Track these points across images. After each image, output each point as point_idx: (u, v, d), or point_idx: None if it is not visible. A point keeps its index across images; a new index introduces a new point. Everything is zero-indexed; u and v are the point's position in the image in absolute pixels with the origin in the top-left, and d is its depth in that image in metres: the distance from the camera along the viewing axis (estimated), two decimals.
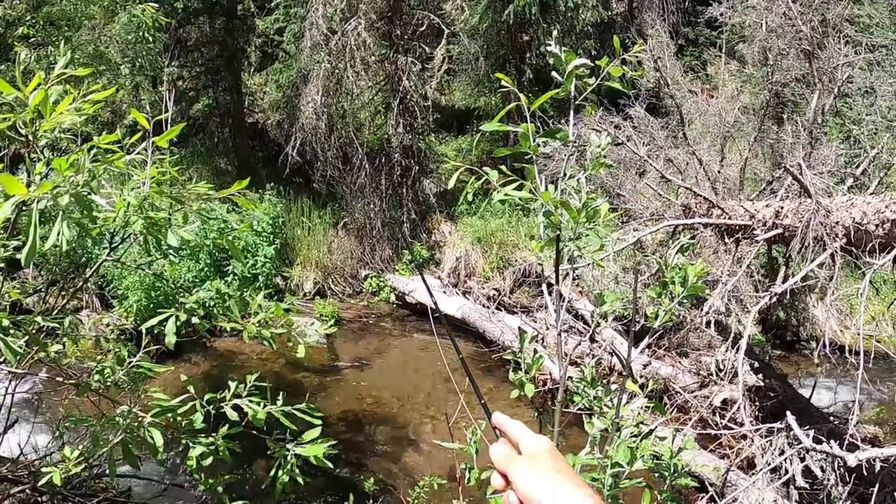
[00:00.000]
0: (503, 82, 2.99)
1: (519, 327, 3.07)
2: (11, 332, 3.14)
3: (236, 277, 13.66)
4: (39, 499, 6.79)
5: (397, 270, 15.55)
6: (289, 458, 3.50)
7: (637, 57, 3.39)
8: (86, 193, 2.68)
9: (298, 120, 15.24)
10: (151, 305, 12.65)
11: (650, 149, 10.50)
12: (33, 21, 10.34)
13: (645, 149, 10.19)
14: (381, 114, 16.27)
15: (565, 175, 2.91)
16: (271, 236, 14.19)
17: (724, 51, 17.93)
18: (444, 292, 14.15)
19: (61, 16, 10.94)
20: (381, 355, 12.45)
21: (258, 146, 19.22)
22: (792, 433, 5.43)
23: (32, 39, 10.47)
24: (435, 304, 1.95)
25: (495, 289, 14.14)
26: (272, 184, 15.45)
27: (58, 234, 2.36)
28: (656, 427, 2.82)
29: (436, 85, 16.01)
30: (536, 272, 13.68)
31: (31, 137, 2.97)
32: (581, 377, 3.28)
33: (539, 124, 2.87)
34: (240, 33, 18.01)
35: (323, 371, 11.78)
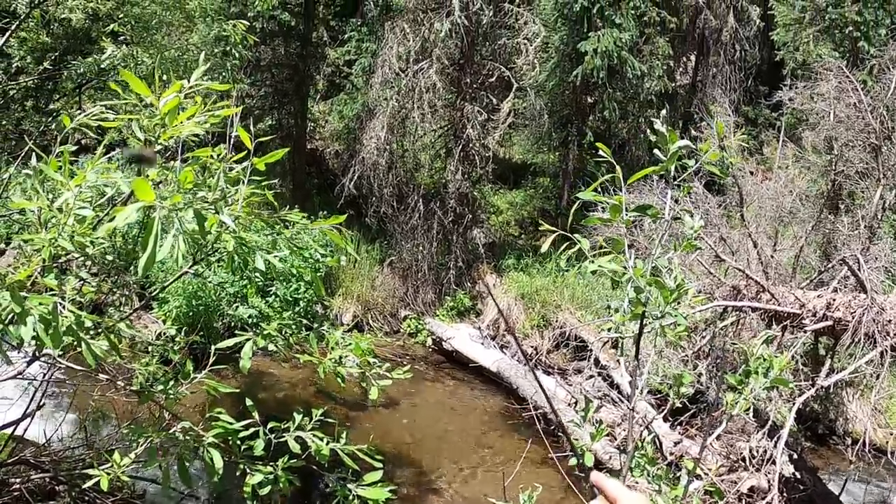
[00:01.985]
0: (601, 151, 3.02)
1: (584, 395, 3.09)
2: (91, 333, 3.21)
3: (278, 299, 13.74)
4: (56, 487, 6.83)
5: (437, 315, 15.56)
6: (350, 498, 3.50)
7: (738, 141, 3.42)
8: (212, 212, 2.75)
9: (359, 153, 15.42)
10: (191, 313, 12.77)
11: (705, 226, 10.46)
12: (124, 20, 10.60)
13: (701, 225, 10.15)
14: (441, 158, 16.39)
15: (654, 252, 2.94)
16: (317, 263, 14.28)
17: (783, 133, 17.89)
18: (483, 344, 14.14)
19: (146, 17, 11.21)
20: (412, 398, 12.41)
21: (314, 173, 19.43)
22: None
23: (122, 38, 10.71)
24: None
25: (533, 347, 14.07)
26: (325, 212, 15.57)
27: (172, 247, 2.42)
28: None
29: (499, 136, 16.13)
30: (576, 336, 13.62)
31: (148, 142, 3.04)
32: (641, 453, 3.28)
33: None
34: (311, 60, 18.35)
35: (352, 405, 11.77)
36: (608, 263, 2.77)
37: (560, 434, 11.05)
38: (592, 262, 2.76)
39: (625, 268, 2.76)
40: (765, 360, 2.78)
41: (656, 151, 2.98)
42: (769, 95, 18.66)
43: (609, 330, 3.06)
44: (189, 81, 2.99)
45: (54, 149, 3.79)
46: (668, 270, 2.77)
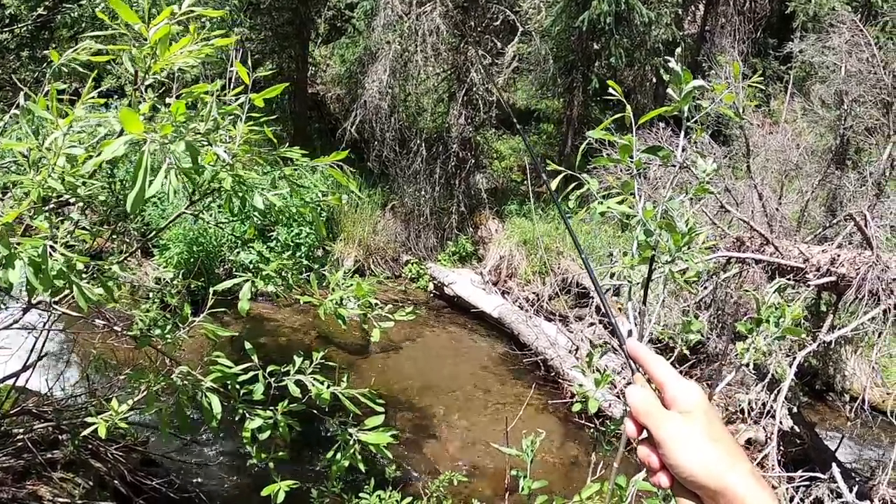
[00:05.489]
0: (612, 90, 2.90)
1: (590, 341, 3.01)
2: (84, 276, 3.11)
3: (279, 243, 13.70)
4: (59, 436, 6.82)
5: (439, 260, 15.55)
6: (351, 443, 3.43)
7: (752, 85, 3.30)
8: (204, 144, 2.64)
9: (361, 97, 15.25)
10: (192, 259, 12.73)
11: (711, 176, 10.33)
12: None
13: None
14: (445, 102, 16.24)
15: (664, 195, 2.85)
16: (318, 207, 14.14)
17: (791, 86, 17.70)
18: (484, 290, 14.12)
19: None
20: (412, 343, 12.43)
21: (315, 117, 19.24)
22: (836, 485, 5.33)
23: None
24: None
25: (534, 293, 14.03)
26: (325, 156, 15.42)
27: (162, 184, 2.30)
28: None
29: (502, 81, 15.94)
30: (577, 283, 13.57)
31: (138, 76, 2.90)
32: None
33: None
34: (312, 3, 18.04)
35: (353, 350, 11.80)
36: (617, 205, 2.68)
37: (560, 381, 11.15)
38: (601, 203, 2.66)
39: (634, 210, 2.67)
40: (776, 308, 2.69)
41: (670, 91, 2.87)
42: (778, 48, 18.43)
43: (612, 276, 2.98)
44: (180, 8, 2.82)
45: (43, 88, 3.65)
46: (680, 214, 2.68)
